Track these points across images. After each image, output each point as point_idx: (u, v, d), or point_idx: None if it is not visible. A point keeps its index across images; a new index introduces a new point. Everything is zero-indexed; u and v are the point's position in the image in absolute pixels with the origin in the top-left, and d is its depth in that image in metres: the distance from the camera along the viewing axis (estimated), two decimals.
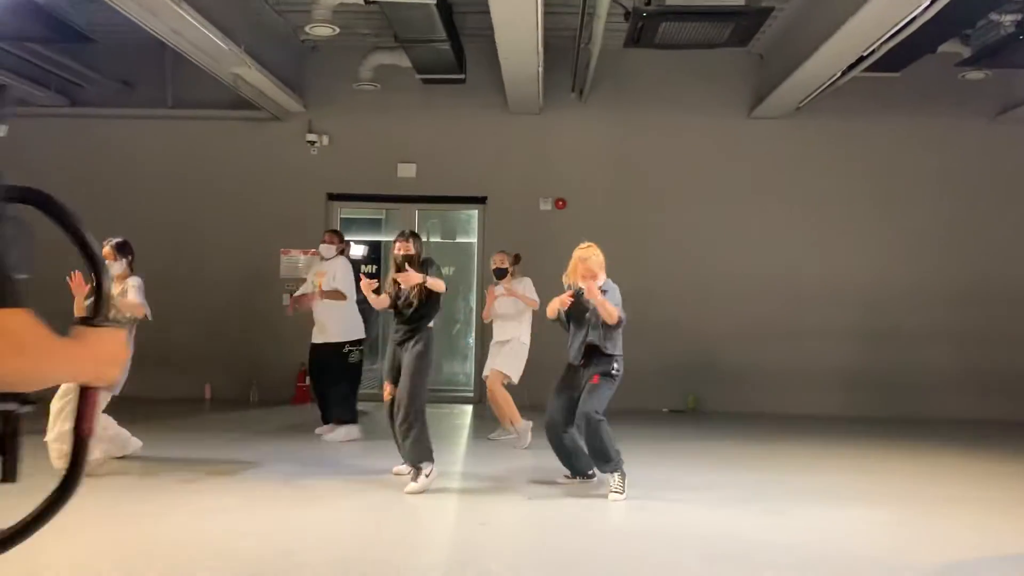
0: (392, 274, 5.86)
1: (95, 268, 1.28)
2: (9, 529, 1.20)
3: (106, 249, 5.96)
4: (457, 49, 9.29)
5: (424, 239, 11.25)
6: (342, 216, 10.98)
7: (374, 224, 13.49)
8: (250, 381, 10.15)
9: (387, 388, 5.72)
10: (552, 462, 6.10)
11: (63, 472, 1.23)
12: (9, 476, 1.20)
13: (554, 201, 10.45)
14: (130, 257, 6.15)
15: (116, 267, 6.00)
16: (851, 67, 8.47)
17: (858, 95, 9.84)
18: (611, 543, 4.50)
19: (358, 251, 13.53)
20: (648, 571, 4.02)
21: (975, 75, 9.48)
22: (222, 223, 10.48)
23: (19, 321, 1.03)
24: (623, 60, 10.07)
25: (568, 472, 5.82)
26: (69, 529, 4.62)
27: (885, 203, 10.30)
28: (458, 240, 12.10)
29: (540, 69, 8.71)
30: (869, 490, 5.97)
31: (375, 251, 13.82)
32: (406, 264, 5.79)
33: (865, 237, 10.28)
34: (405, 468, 5.69)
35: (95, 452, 5.62)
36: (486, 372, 7.50)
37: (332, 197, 10.68)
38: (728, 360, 10.12)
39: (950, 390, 9.98)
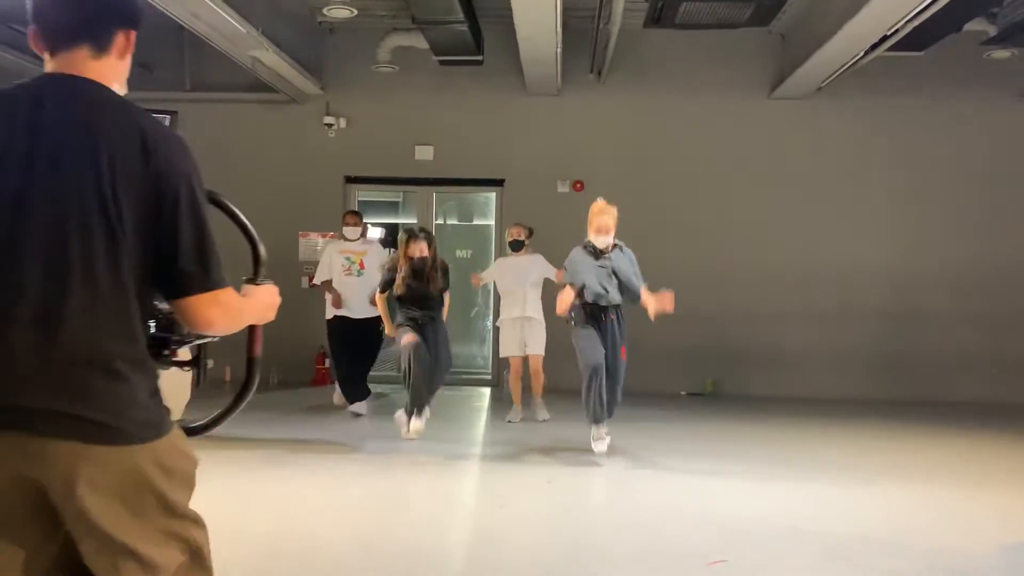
0: (404, 274, 6.26)
1: (251, 241, 1.98)
2: (205, 420, 1.98)
3: None
4: (475, 30, 9.23)
5: (440, 221, 11.33)
6: (359, 199, 10.99)
7: (391, 207, 13.49)
8: (270, 363, 10.20)
9: (412, 336, 6.26)
10: (571, 443, 6.12)
11: (243, 382, 1.96)
12: (199, 383, 1.95)
13: (572, 183, 10.39)
14: None
15: None
16: (874, 46, 8.34)
17: (881, 75, 9.70)
18: (631, 524, 4.50)
19: (376, 234, 13.57)
20: (669, 553, 4.02)
21: (1001, 54, 9.32)
22: (240, 206, 10.22)
23: (230, 295, 1.72)
24: (642, 41, 9.97)
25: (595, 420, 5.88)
26: None
27: (907, 184, 10.18)
28: (475, 222, 12.09)
29: (558, 50, 8.64)
30: (894, 473, 5.94)
31: (392, 234, 13.84)
32: (424, 267, 6.05)
33: (886, 219, 10.17)
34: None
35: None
36: (524, 353, 7.45)
37: (349, 180, 10.67)
38: (746, 343, 10.07)
39: (971, 373, 9.88)
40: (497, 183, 10.58)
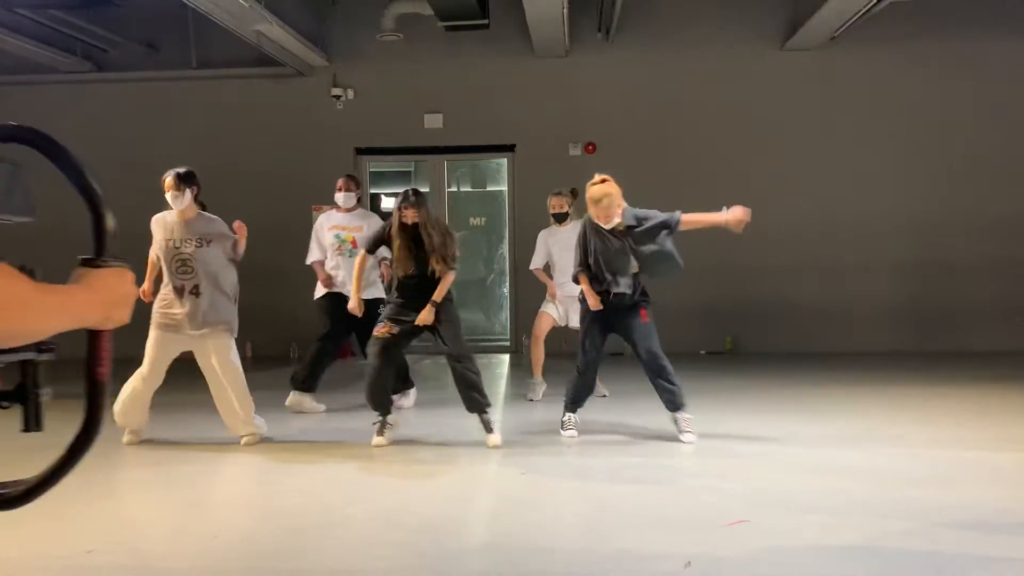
0: (399, 243, 5.31)
1: (92, 203, 1.21)
2: (33, 479, 1.18)
3: (168, 179, 5.41)
4: None
5: (453, 189, 11.27)
6: (371, 170, 10.95)
7: (403, 176, 13.44)
8: (289, 339, 10.26)
9: (388, 327, 5.46)
10: (591, 413, 6.11)
11: (83, 420, 1.19)
12: (33, 426, 1.22)
13: (584, 146, 10.30)
14: (195, 189, 5.50)
15: (181, 201, 5.43)
16: None
17: (894, 22, 9.49)
18: (651, 487, 4.50)
19: (389, 204, 13.54)
20: (689, 513, 4.02)
21: None
22: (251, 181, 10.49)
23: (18, 283, 1.00)
24: None
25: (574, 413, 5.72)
26: (131, 490, 4.73)
27: (924, 133, 10.00)
28: (488, 188, 12.02)
29: (565, 10, 8.50)
30: (923, 430, 5.90)
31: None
32: (419, 233, 5.28)
33: (904, 169, 10.01)
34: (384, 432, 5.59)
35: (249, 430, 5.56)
36: (563, 323, 6.98)
37: (360, 151, 10.63)
38: (765, 300, 10.01)
39: (993, 322, 9.78)
40: (508, 148, 10.50)
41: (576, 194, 7.19)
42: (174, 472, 4.97)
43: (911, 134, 10.00)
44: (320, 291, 6.92)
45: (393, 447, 5.51)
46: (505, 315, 11.03)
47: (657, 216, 5.42)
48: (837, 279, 10.03)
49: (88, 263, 1.19)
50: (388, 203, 13.32)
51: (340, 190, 7.05)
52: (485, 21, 9.67)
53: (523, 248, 9.99)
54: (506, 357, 10.28)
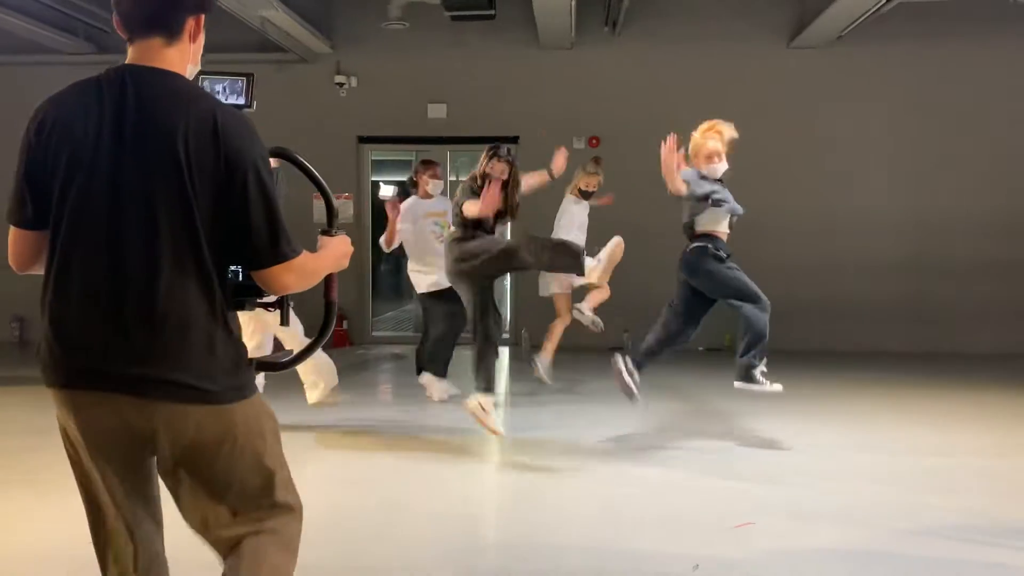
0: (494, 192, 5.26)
1: (325, 196, 2.15)
2: (295, 355, 2.32)
3: None
4: None
5: (454, 178, 11.23)
6: (373, 158, 10.90)
7: (404, 165, 13.40)
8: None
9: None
10: (594, 406, 6.10)
11: (322, 322, 2.16)
12: (284, 321, 2.14)
13: (588, 139, 10.27)
14: None
15: None
16: None
17: (903, 22, 9.46)
18: (658, 488, 4.51)
19: (388, 191, 13.50)
20: (696, 516, 4.03)
21: None
22: None
23: (303, 260, 1.90)
24: None
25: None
26: None
27: (929, 133, 10.00)
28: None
29: (572, 3, 8.46)
30: (928, 433, 5.91)
31: (405, 192, 13.76)
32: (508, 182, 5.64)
33: (908, 168, 10.02)
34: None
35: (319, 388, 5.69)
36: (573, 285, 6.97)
37: (362, 140, 10.58)
38: (767, 295, 10.00)
39: (998, 323, 9.80)
40: (512, 140, 10.45)
41: (599, 161, 7.62)
42: None
43: (916, 133, 9.99)
44: (423, 284, 6.68)
45: (398, 441, 5.50)
46: (505, 308, 11.01)
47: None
48: (837, 277, 10.03)
49: (324, 233, 2.08)
50: (387, 191, 13.31)
51: (434, 177, 6.88)
52: (491, 12, 9.61)
53: None
54: (506, 350, 10.27)
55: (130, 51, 1.88)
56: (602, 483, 4.65)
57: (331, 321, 2.13)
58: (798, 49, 9.96)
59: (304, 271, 1.90)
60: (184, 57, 1.91)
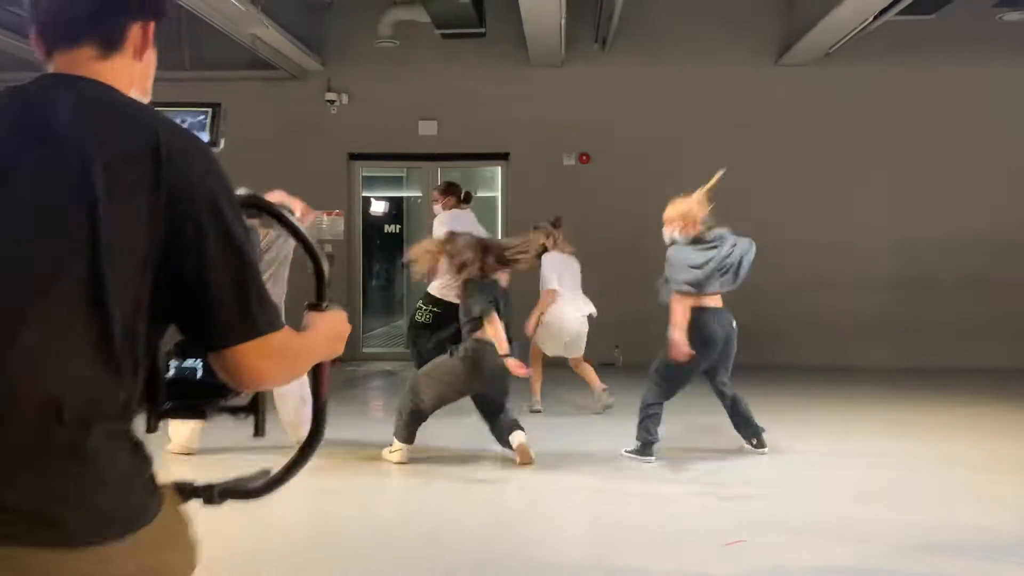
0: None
1: (313, 257, 1.49)
2: (274, 475, 1.61)
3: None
4: (477, 2, 9.08)
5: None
6: (364, 175, 10.92)
7: (395, 181, 13.42)
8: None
9: None
10: (586, 423, 6.09)
11: (305, 435, 1.58)
12: (260, 432, 1.58)
13: (578, 156, 10.30)
14: None
15: None
16: (884, 11, 8.21)
17: (890, 40, 9.55)
18: (649, 506, 4.50)
19: (379, 207, 13.51)
20: (687, 534, 4.01)
21: (1013, 16, 9.16)
22: (243, 185, 10.35)
23: (284, 338, 1.30)
24: (646, 10, 9.82)
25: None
26: None
27: (917, 150, 10.07)
28: (479, 194, 12.00)
29: (563, 21, 8.51)
30: (917, 449, 5.92)
31: (396, 207, 13.77)
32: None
33: (896, 185, 10.08)
34: None
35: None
36: (566, 354, 6.96)
37: (353, 156, 10.59)
38: (756, 313, 9.98)
39: (986, 339, 9.84)
40: (502, 157, 10.50)
41: (558, 223, 7.15)
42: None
43: (903, 151, 10.06)
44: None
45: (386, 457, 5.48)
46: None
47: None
48: (827, 294, 10.06)
49: (313, 308, 1.46)
50: (378, 207, 13.31)
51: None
52: (482, 30, 9.67)
53: None
54: None
55: (49, 68, 1.37)
56: (594, 499, 4.63)
57: (321, 429, 1.59)
58: (786, 66, 10.04)
59: (286, 354, 1.32)
60: (126, 76, 1.35)
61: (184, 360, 1.41)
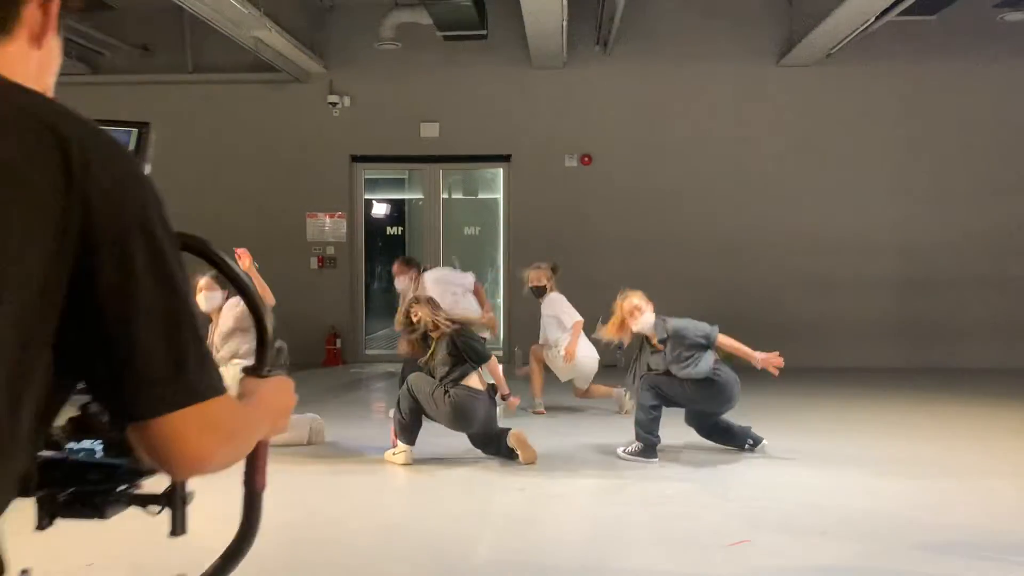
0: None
1: (255, 314, 1.24)
2: None
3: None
4: (479, 5, 9.10)
5: (446, 196, 11.27)
6: (366, 177, 10.94)
7: (397, 183, 13.45)
8: (280, 344, 10.19)
9: None
10: (588, 425, 6.09)
11: (240, 527, 1.24)
12: (178, 530, 1.24)
13: (579, 157, 10.31)
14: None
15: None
16: (885, 11, 8.21)
17: (892, 40, 9.56)
18: (653, 507, 4.50)
19: (381, 209, 13.53)
20: (690, 535, 4.02)
21: (1015, 16, 9.16)
22: (245, 187, 10.45)
23: (225, 408, 0.98)
24: (648, 11, 9.83)
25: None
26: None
27: (919, 150, 10.07)
28: (481, 196, 12.02)
29: (564, 23, 8.52)
30: (916, 449, 5.92)
31: (398, 210, 13.80)
32: None
33: (899, 185, 10.08)
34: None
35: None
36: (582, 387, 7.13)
37: (355, 159, 10.60)
38: (759, 313, 10.01)
39: (987, 339, 9.84)
40: (504, 159, 10.51)
41: (557, 271, 7.26)
42: None
43: (905, 151, 10.07)
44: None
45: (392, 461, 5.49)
46: (499, 324, 11.00)
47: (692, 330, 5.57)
48: (829, 295, 10.07)
49: (252, 373, 1.20)
50: (379, 209, 13.33)
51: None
52: (483, 32, 9.69)
53: (517, 258, 9.99)
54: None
55: None
56: (596, 501, 4.64)
57: (254, 527, 1.29)
58: (788, 67, 10.05)
59: (230, 428, 1.00)
60: (20, 66, 1.03)
61: (81, 439, 1.13)
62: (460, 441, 5.71)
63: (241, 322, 5.76)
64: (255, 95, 10.44)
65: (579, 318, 7.00)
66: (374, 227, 12.34)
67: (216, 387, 0.96)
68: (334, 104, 10.39)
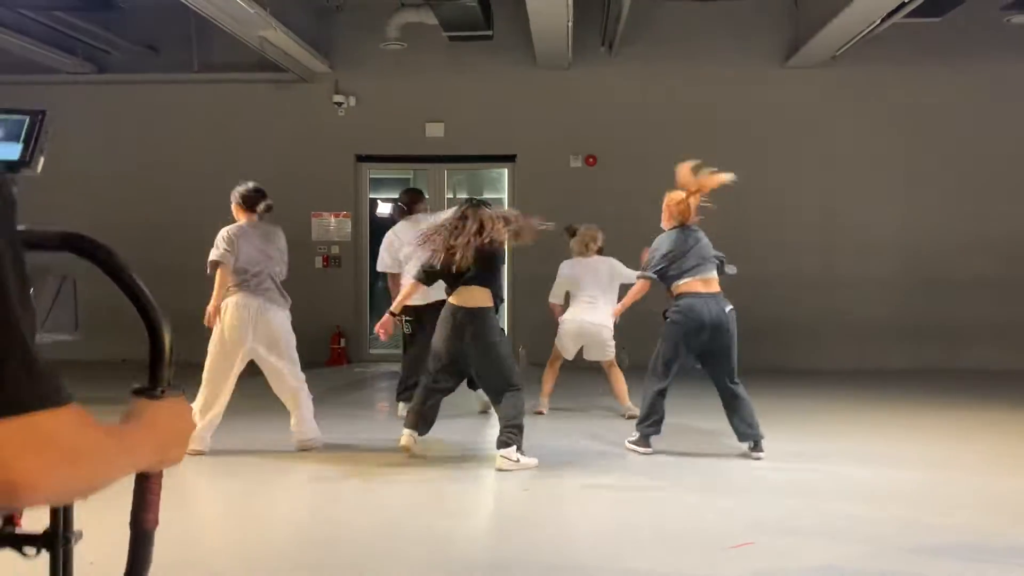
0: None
1: (149, 323, 1.08)
2: None
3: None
4: (484, 5, 9.11)
5: (451, 196, 11.27)
6: (371, 177, 10.95)
7: (402, 183, 13.44)
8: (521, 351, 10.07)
9: None
10: (593, 425, 6.08)
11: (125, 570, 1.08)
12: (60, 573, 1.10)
13: (584, 158, 10.32)
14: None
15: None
16: (891, 13, 8.21)
17: (897, 42, 9.54)
18: (654, 507, 4.50)
19: (386, 209, 13.53)
20: (692, 536, 4.02)
21: (1021, 18, 9.15)
22: (248, 185, 10.43)
23: (67, 422, 0.81)
24: (654, 12, 9.84)
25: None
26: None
27: (925, 152, 10.06)
28: (486, 196, 12.02)
29: (569, 23, 8.53)
30: (923, 452, 5.91)
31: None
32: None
33: (903, 187, 10.07)
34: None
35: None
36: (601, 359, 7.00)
37: (360, 158, 10.62)
38: (761, 316, 10.00)
39: (993, 341, 9.82)
40: (509, 159, 10.51)
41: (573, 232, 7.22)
42: (176, 484, 4.93)
43: (910, 152, 10.05)
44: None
45: (396, 460, 5.49)
46: (504, 325, 11.00)
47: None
48: (833, 296, 10.06)
49: (143, 393, 1.04)
50: (384, 208, 13.35)
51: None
52: (489, 32, 9.69)
53: (521, 259, 9.99)
54: None
55: None
56: (599, 501, 4.64)
57: (144, 565, 1.11)
58: (793, 69, 10.04)
59: (68, 448, 0.80)
60: None
61: None
62: (460, 442, 5.72)
63: None
64: (261, 95, 10.46)
65: (552, 300, 7.09)
66: (379, 227, 12.33)
67: (48, 397, 0.79)
68: (339, 104, 10.41)
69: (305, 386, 5.58)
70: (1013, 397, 7.96)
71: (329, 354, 10.11)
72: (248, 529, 4.26)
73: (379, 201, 12.16)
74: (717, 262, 5.86)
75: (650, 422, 5.60)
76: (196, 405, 5.29)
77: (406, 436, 5.30)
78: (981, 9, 9.19)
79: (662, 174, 10.04)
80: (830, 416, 7.15)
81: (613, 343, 6.89)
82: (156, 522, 1.10)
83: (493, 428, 6.49)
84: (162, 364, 1.08)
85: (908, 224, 10.05)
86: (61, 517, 1.05)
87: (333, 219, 10.50)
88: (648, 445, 5.60)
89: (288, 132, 10.47)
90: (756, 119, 10.13)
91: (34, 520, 1.01)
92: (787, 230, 10.08)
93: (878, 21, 8.40)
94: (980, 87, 9.95)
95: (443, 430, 6.16)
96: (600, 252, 7.10)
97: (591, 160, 10.29)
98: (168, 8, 8.91)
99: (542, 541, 3.98)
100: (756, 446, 5.52)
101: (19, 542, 1.02)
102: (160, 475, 1.07)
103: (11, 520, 0.99)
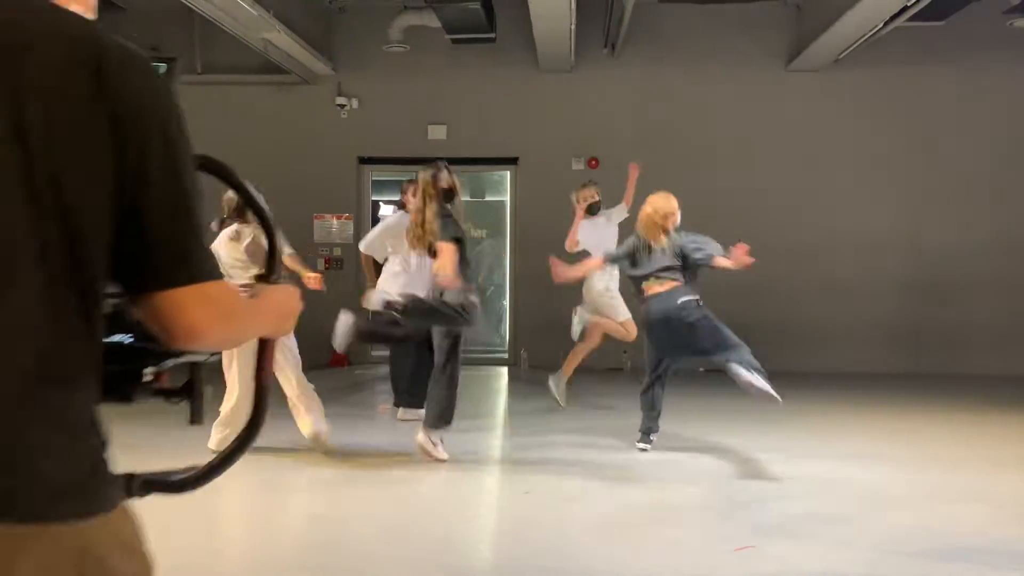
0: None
1: (267, 229, 1.42)
2: (204, 467, 1.31)
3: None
4: (487, 8, 9.12)
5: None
6: (373, 179, 10.96)
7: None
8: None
9: None
10: (594, 428, 6.09)
11: (249, 417, 1.33)
12: (196, 419, 1.36)
13: (587, 160, 10.32)
14: None
15: None
16: (894, 16, 8.21)
17: (900, 45, 9.54)
18: (658, 510, 4.50)
19: (388, 211, 13.55)
20: (697, 539, 4.02)
21: (1023, 22, 9.14)
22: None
23: (223, 290, 1.13)
24: (657, 14, 9.84)
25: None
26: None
27: (927, 155, 10.06)
28: (488, 199, 12.02)
29: (572, 25, 8.54)
30: (929, 456, 5.91)
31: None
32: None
33: (906, 190, 10.07)
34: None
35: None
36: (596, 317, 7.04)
37: (363, 160, 10.63)
38: (763, 319, 10.00)
39: (995, 345, 9.81)
40: (511, 161, 10.52)
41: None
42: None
43: (915, 154, 10.05)
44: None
45: (396, 462, 5.49)
46: (504, 327, 11.01)
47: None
48: (836, 299, 10.05)
49: (263, 279, 1.35)
50: (386, 211, 13.36)
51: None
52: (492, 35, 9.70)
53: (524, 261, 10.01)
54: (504, 370, 10.27)
55: None
56: (601, 505, 4.63)
57: (261, 417, 1.34)
58: (796, 72, 10.04)
59: (225, 306, 1.14)
60: None
61: (112, 334, 1.17)
62: (461, 442, 5.72)
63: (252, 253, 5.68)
64: (264, 96, 10.47)
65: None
66: None
67: (212, 273, 1.11)
68: (342, 106, 10.42)
69: (310, 386, 5.57)
70: (1014, 400, 7.95)
71: (331, 356, 10.10)
72: (249, 532, 4.26)
73: (381, 203, 12.18)
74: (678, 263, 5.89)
75: (645, 418, 5.74)
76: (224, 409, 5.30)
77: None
78: (983, 12, 9.18)
79: (664, 176, 10.06)
80: (833, 420, 7.14)
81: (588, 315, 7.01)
82: (270, 378, 1.40)
83: (493, 431, 6.51)
84: (274, 260, 1.39)
85: (911, 227, 10.04)
86: (195, 375, 1.33)
87: (335, 221, 10.51)
88: (648, 441, 5.70)
89: (290, 134, 10.48)
90: (759, 122, 10.13)
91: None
92: (788, 232, 10.07)
93: (881, 24, 8.40)
94: (983, 90, 9.95)
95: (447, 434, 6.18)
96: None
97: (593, 163, 10.29)
98: (171, 10, 8.94)
99: (543, 543, 3.98)
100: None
101: (168, 394, 1.30)
102: (274, 343, 1.35)
103: (159, 379, 1.27)
